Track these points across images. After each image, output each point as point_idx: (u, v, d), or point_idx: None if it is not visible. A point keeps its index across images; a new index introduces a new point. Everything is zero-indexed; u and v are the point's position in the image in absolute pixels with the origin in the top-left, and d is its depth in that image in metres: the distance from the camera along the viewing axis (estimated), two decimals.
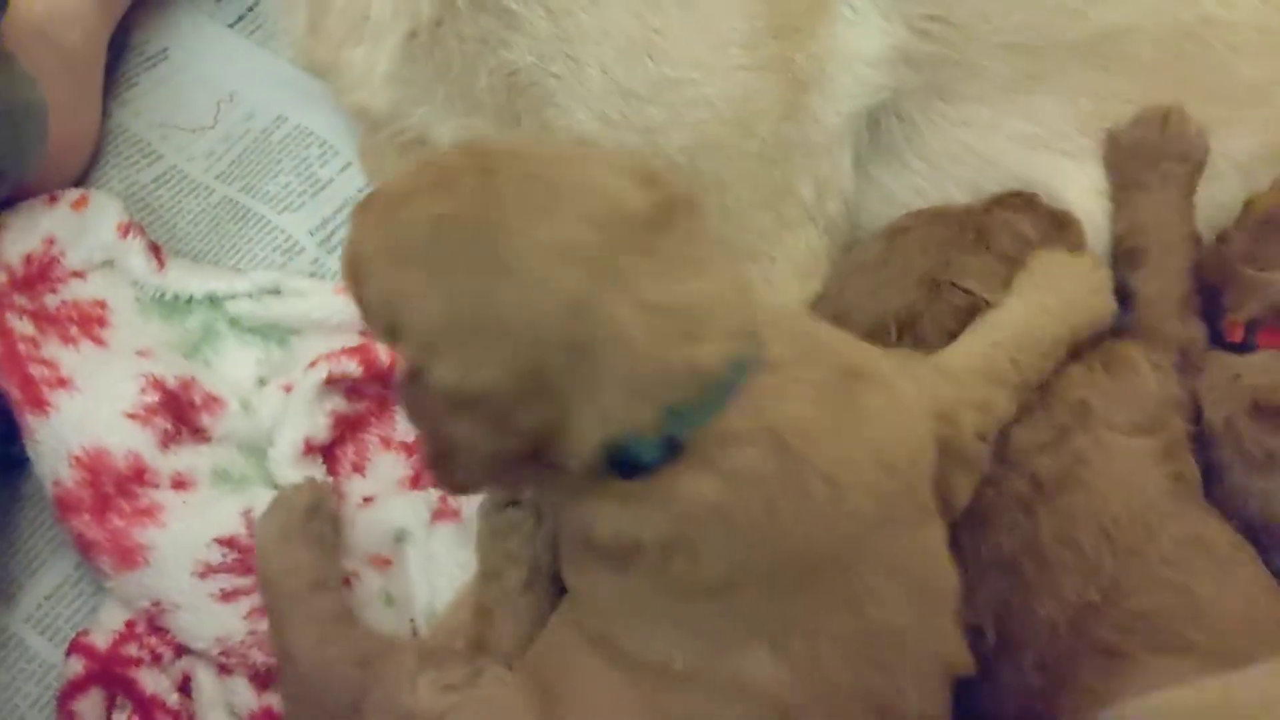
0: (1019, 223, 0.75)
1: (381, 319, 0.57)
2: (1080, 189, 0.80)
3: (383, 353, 0.77)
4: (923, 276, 0.73)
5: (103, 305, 0.78)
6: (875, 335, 0.71)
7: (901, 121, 0.80)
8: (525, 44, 0.73)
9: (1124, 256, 0.77)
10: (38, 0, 0.80)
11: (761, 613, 0.58)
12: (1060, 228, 0.76)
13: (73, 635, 0.73)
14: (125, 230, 0.81)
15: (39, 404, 0.72)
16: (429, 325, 0.55)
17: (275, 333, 0.80)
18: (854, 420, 0.59)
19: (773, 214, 0.76)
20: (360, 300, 0.59)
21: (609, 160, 0.60)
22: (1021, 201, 0.77)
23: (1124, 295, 0.75)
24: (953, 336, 0.71)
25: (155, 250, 0.82)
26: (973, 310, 0.72)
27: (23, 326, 0.75)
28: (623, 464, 0.56)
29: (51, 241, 0.79)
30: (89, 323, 0.77)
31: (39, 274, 0.79)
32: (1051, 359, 0.69)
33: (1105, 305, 0.72)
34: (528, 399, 0.54)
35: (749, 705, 0.58)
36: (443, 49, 0.75)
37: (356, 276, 0.58)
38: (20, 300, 0.77)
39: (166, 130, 0.92)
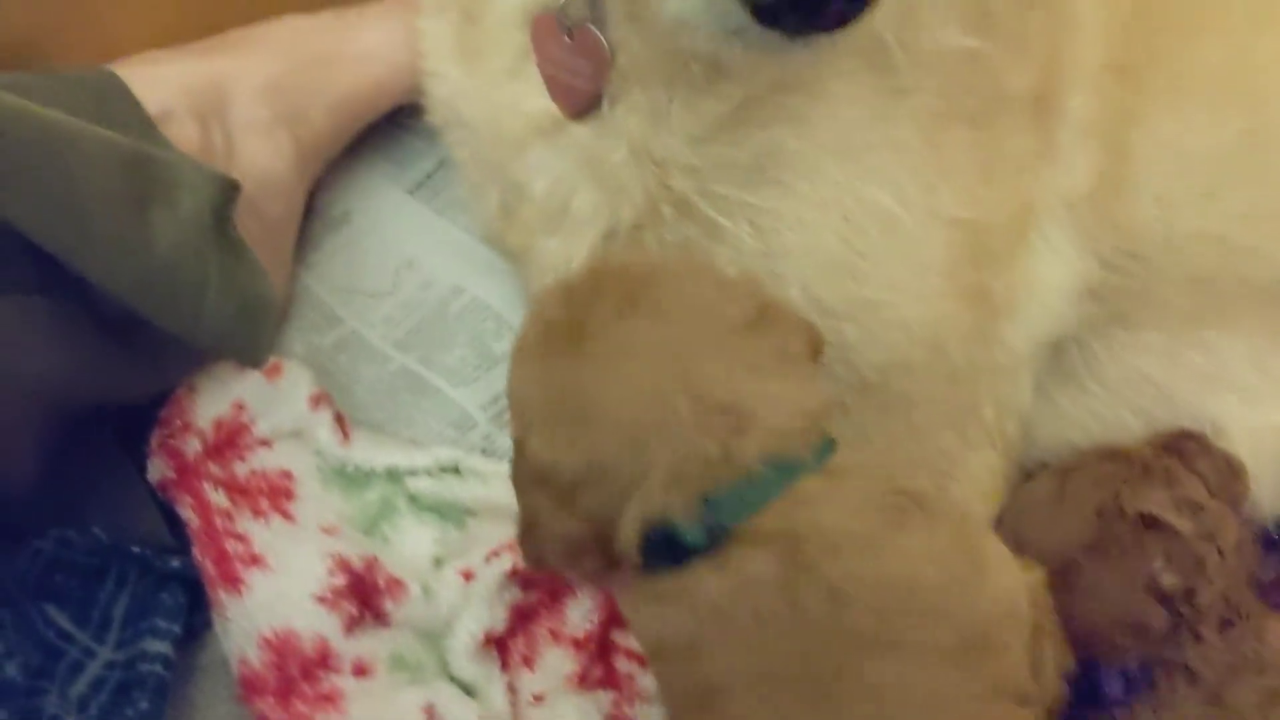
0: (1191, 465, 0.76)
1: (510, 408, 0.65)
2: (1247, 430, 0.80)
3: None
4: (1098, 509, 0.74)
5: (289, 476, 0.80)
6: (1060, 570, 0.71)
7: (1081, 346, 0.81)
8: (728, 255, 0.74)
9: None
10: (247, 174, 0.83)
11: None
12: (1232, 475, 0.77)
13: None
14: (316, 401, 0.82)
15: (233, 581, 0.73)
16: (529, 405, 0.63)
17: (453, 513, 0.81)
18: (892, 538, 0.59)
19: (957, 434, 0.77)
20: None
21: (718, 273, 0.67)
22: (1195, 446, 0.78)
23: None
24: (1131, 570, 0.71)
25: (341, 421, 0.84)
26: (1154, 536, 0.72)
27: (218, 498, 0.76)
28: (665, 550, 0.59)
29: (241, 407, 0.81)
30: (278, 495, 0.78)
31: (228, 441, 0.80)
32: None
33: None
34: (590, 480, 0.59)
35: None
36: (640, 252, 0.77)
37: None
38: (214, 469, 0.78)
39: (348, 294, 0.94)
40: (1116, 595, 0.71)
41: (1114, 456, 0.77)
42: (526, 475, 0.62)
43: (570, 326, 0.63)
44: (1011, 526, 0.77)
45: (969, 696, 0.59)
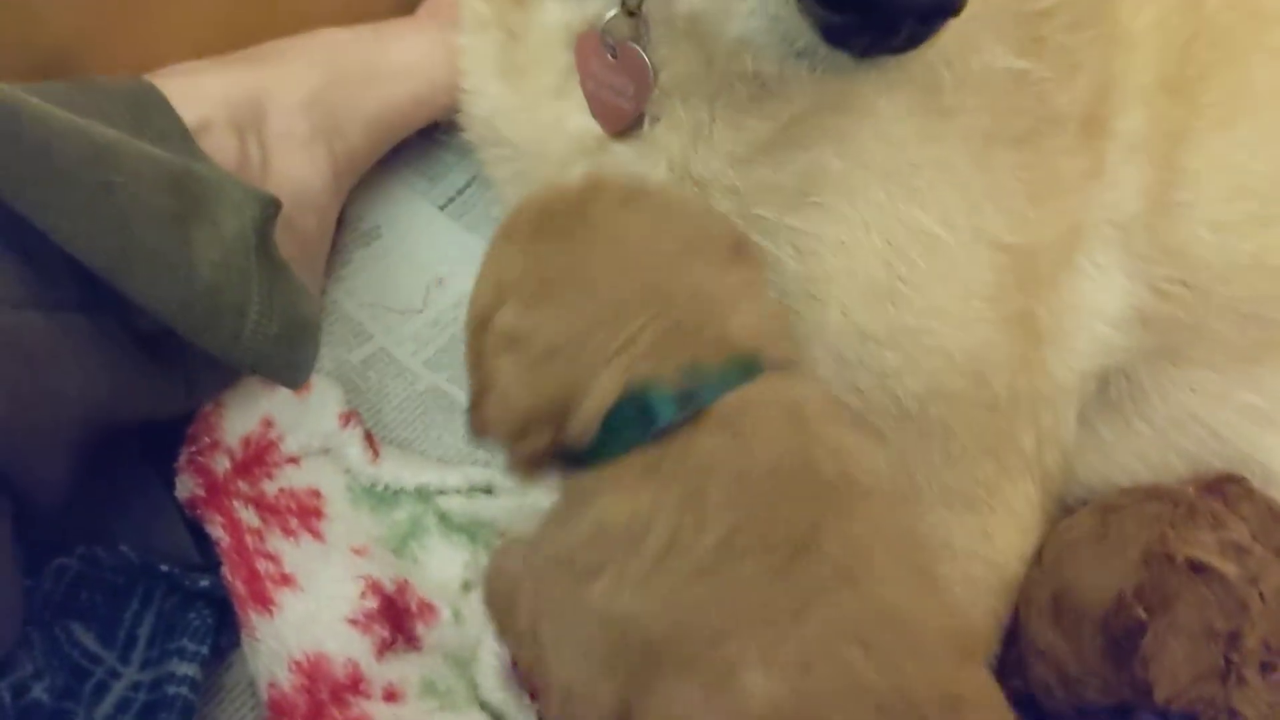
0: (1235, 509, 0.74)
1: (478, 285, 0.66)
2: None
3: None
4: (1145, 552, 0.72)
5: (318, 495, 0.78)
6: (1111, 613, 0.71)
7: (1129, 381, 0.79)
8: (769, 278, 0.73)
9: None
10: (283, 187, 0.82)
11: (755, 598, 0.57)
12: (1274, 519, 0.75)
13: None
14: (346, 420, 0.81)
15: (264, 601, 0.72)
16: (509, 279, 0.64)
17: (483, 533, 0.80)
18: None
19: (995, 463, 0.75)
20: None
21: (704, 203, 0.72)
22: (1238, 489, 0.76)
23: None
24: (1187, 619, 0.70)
25: (370, 439, 0.83)
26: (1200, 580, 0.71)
27: (249, 517, 0.75)
28: (630, 423, 0.60)
29: (269, 424, 0.80)
30: (307, 514, 0.77)
31: (255, 458, 0.79)
32: None
33: None
34: (567, 348, 0.60)
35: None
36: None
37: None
38: (243, 487, 0.77)
39: (377, 310, 0.93)
40: (1173, 644, 0.69)
41: (1158, 496, 0.76)
42: (489, 346, 0.63)
43: (568, 214, 0.65)
44: (1051, 563, 0.76)
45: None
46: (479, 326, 0.64)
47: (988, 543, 0.75)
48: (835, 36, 0.54)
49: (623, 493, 0.60)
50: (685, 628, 0.57)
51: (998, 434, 0.75)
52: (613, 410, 0.60)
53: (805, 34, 0.55)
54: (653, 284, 0.63)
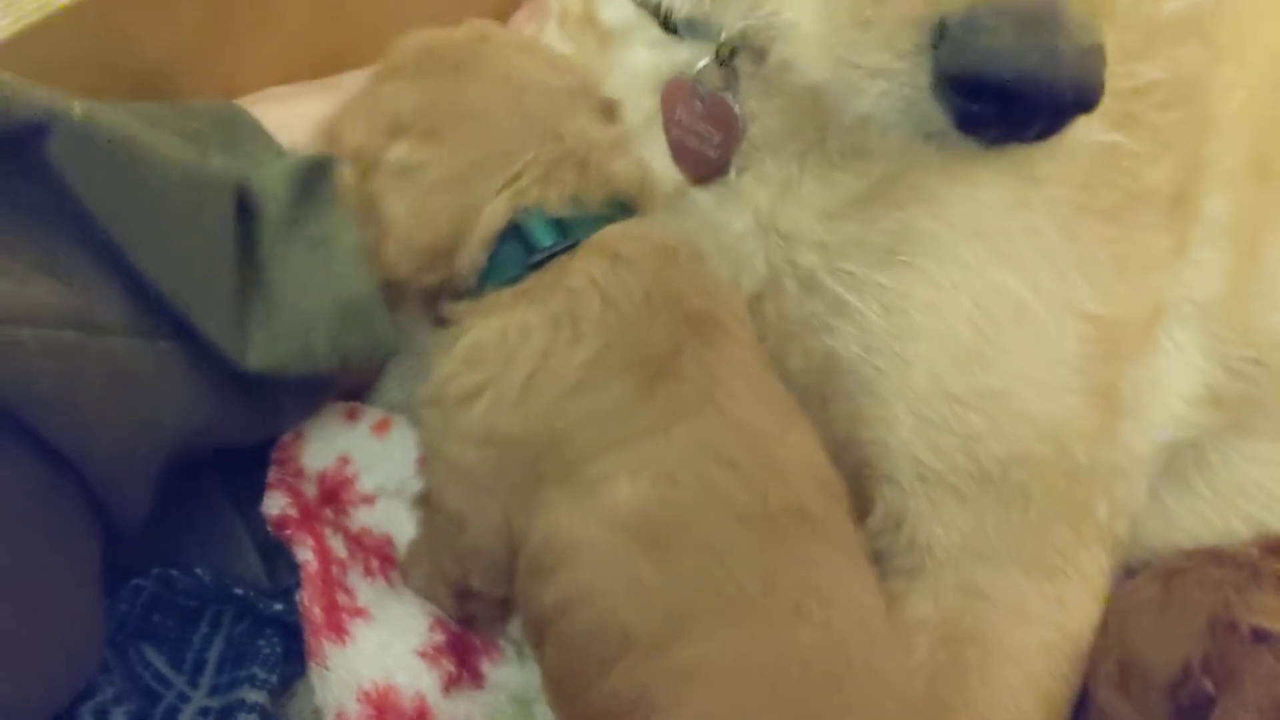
0: None
1: (357, 126, 0.68)
2: None
3: None
4: (1210, 619, 0.72)
5: (390, 543, 0.77)
6: (1178, 683, 0.71)
7: (1194, 449, 0.80)
8: (852, 334, 0.73)
9: None
10: None
11: (624, 415, 0.61)
12: None
13: None
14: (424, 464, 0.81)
15: (339, 631, 0.71)
16: (400, 114, 0.67)
17: None
18: None
19: (1072, 531, 0.76)
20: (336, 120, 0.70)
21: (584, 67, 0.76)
22: None
23: None
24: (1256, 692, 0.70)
25: None
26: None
27: (338, 546, 0.75)
28: (512, 253, 0.64)
29: (346, 461, 0.79)
30: (385, 559, 0.76)
31: (330, 494, 0.78)
32: None
33: None
34: (458, 179, 0.64)
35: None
36: (758, 322, 0.76)
37: (338, 119, 0.70)
38: (329, 515, 0.77)
39: None
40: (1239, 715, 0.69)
41: (1221, 559, 0.76)
42: (380, 186, 0.65)
43: (457, 54, 0.68)
44: (1116, 629, 0.76)
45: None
46: (367, 167, 0.67)
47: (1063, 610, 0.75)
48: (969, 125, 0.54)
49: (497, 314, 0.64)
50: (560, 442, 0.61)
51: (1076, 502, 0.75)
52: (499, 240, 0.64)
53: (938, 120, 0.54)
54: (542, 121, 0.67)
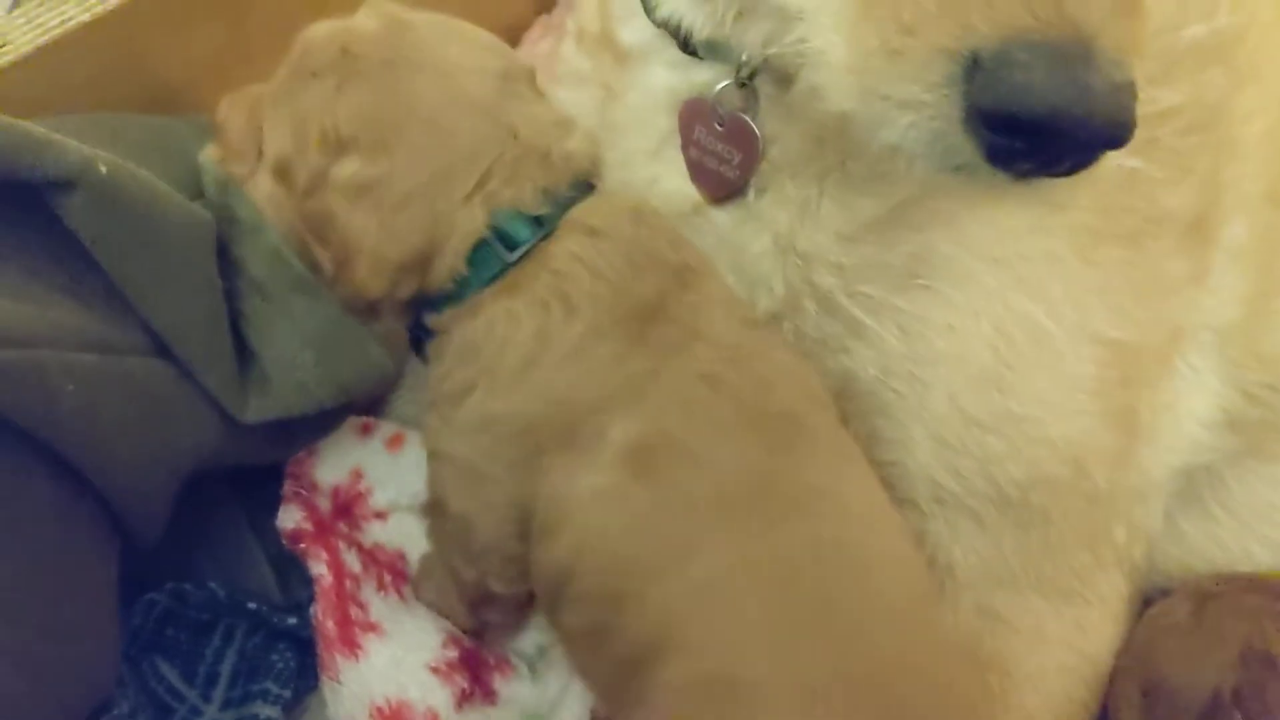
0: None
1: (281, 137, 0.66)
2: None
3: None
4: (1244, 649, 0.72)
5: (402, 558, 0.77)
6: (1206, 712, 0.70)
7: (1210, 473, 0.80)
8: (870, 356, 0.73)
9: None
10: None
11: (618, 369, 0.62)
12: None
13: None
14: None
15: (351, 645, 0.71)
16: (332, 124, 0.65)
17: None
18: None
19: (1091, 554, 0.75)
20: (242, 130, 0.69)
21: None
22: None
23: None
24: None
25: None
26: None
27: (351, 561, 0.74)
28: (494, 253, 0.65)
29: (359, 475, 0.79)
30: (398, 574, 0.76)
31: (344, 508, 0.78)
32: None
33: None
34: (425, 194, 0.64)
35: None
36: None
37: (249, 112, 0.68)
38: (343, 529, 0.76)
39: None
40: None
41: (1257, 586, 0.76)
42: (335, 204, 0.64)
43: (378, 51, 0.66)
44: (1142, 651, 0.75)
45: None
46: (314, 185, 0.65)
47: (1081, 634, 0.75)
48: (999, 158, 0.53)
49: (483, 312, 0.65)
50: (558, 409, 0.62)
51: (1094, 525, 0.75)
52: (477, 244, 0.65)
53: (968, 153, 0.54)
54: (493, 116, 0.67)
